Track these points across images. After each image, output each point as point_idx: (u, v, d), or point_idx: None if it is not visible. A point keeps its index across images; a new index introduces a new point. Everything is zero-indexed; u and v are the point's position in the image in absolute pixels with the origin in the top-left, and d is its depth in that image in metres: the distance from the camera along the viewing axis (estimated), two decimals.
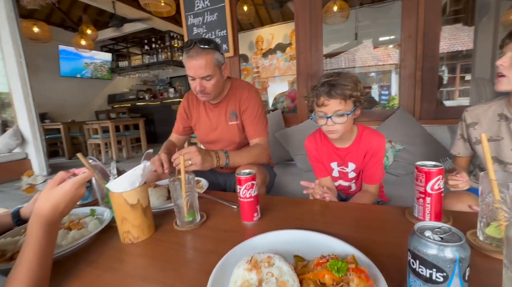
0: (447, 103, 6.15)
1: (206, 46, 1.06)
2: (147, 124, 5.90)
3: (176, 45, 6.42)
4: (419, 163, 0.61)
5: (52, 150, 5.23)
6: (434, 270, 0.34)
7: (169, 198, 0.92)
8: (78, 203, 0.94)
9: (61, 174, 0.82)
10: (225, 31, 2.06)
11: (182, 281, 0.49)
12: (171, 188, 0.70)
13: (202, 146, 1.42)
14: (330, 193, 0.88)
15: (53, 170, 3.93)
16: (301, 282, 0.43)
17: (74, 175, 0.77)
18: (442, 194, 0.59)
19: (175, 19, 5.80)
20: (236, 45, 2.10)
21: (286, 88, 6.41)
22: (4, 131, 3.79)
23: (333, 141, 1.02)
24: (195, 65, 1.05)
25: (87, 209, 0.83)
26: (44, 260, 0.50)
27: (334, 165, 1.05)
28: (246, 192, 0.67)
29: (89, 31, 4.95)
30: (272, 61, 7.25)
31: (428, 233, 0.36)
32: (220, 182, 1.35)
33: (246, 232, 0.66)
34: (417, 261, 0.36)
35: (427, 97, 1.64)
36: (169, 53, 6.39)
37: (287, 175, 1.67)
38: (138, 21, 5.41)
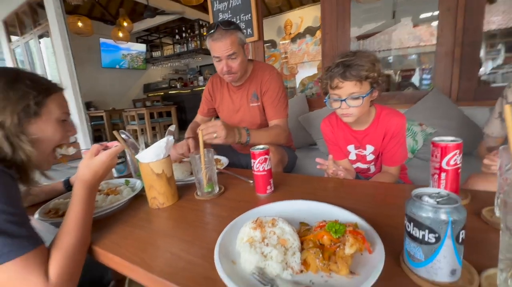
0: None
1: (229, 28, 1.10)
2: (178, 111, 6.18)
3: (205, 33, 6.52)
4: (436, 138, 0.59)
5: (97, 135, 5.77)
6: (427, 231, 0.35)
7: (192, 173, 1.00)
8: (115, 175, 1.06)
9: (95, 146, 0.94)
10: (249, 15, 2.06)
11: (198, 238, 0.56)
12: (192, 162, 0.77)
13: None
14: (347, 172, 0.88)
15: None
16: (302, 243, 0.46)
17: (106, 147, 0.89)
18: (459, 171, 0.57)
19: (203, 6, 5.87)
20: (260, 29, 2.09)
21: (316, 73, 6.19)
22: None
23: (350, 123, 1.00)
24: (221, 46, 1.11)
25: (122, 180, 0.94)
26: (87, 216, 0.59)
27: (351, 148, 1.03)
28: (259, 165, 0.71)
29: (125, 24, 5.25)
30: (301, 45, 7.01)
31: (425, 198, 0.37)
32: (242, 163, 1.41)
33: (258, 203, 0.71)
34: (411, 224, 0.37)
35: (466, 76, 1.49)
36: (198, 42, 6.52)
37: (309, 158, 1.67)
38: (170, 14, 5.59)
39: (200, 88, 6.30)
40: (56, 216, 0.73)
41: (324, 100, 0.95)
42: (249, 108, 1.29)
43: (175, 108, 5.20)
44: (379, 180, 0.94)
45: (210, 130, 0.88)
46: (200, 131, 0.79)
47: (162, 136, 5.16)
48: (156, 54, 7.33)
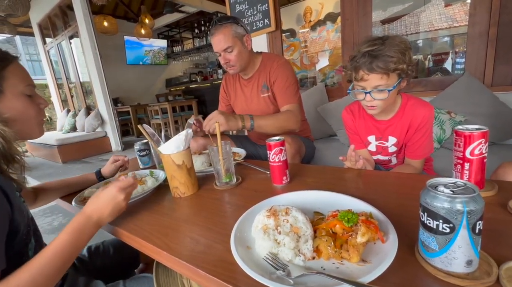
0: None
1: (224, 22, 1.14)
2: (199, 105, 6.32)
3: None
4: (459, 127, 0.56)
5: (124, 129, 6.10)
6: (441, 221, 0.34)
7: (211, 164, 1.03)
8: (141, 166, 1.13)
9: (113, 157, 1.00)
10: (266, 5, 2.04)
11: (215, 225, 0.59)
12: (211, 153, 0.80)
13: None
14: (367, 163, 0.86)
15: (125, 146, 4.62)
16: (315, 231, 0.47)
17: (124, 162, 0.94)
18: (485, 160, 0.54)
19: None
20: (278, 19, 2.06)
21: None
22: (88, 113, 4.56)
23: (374, 114, 0.97)
24: (215, 40, 1.16)
25: (147, 171, 1.00)
26: (70, 250, 0.53)
27: (371, 138, 1.01)
28: (275, 156, 0.72)
29: (147, 20, 5.41)
30: (322, 33, 6.76)
31: (440, 188, 0.36)
32: (261, 154, 1.43)
33: (274, 193, 0.72)
34: (426, 214, 0.36)
35: (503, 58, 1.37)
36: None
37: (328, 149, 1.65)
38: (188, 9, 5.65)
39: (220, 81, 6.35)
40: None
41: (348, 90, 0.92)
42: (260, 99, 1.30)
43: (195, 102, 5.32)
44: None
45: (212, 121, 0.94)
46: (217, 123, 0.82)
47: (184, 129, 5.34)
48: (177, 49, 7.49)
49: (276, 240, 0.44)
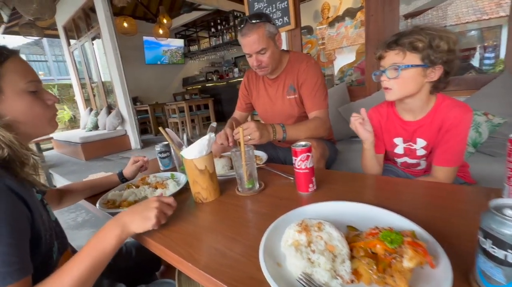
0: None
1: (257, 20, 1.07)
2: (215, 104, 6.36)
3: None
4: None
5: (143, 128, 6.26)
6: (510, 251, 0.30)
7: (232, 167, 1.01)
8: (161, 168, 1.13)
9: (133, 158, 1.00)
10: (285, 2, 1.98)
11: (240, 235, 0.56)
12: (233, 158, 0.77)
13: (262, 121, 1.48)
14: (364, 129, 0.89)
15: (144, 144, 4.74)
16: (351, 250, 0.43)
17: (144, 162, 0.93)
18: None
19: None
20: (297, 17, 2.01)
21: (353, 59, 5.79)
22: (109, 112, 4.72)
23: (401, 113, 0.91)
24: (249, 41, 1.09)
25: (168, 174, 0.99)
26: (99, 257, 0.51)
27: (398, 141, 0.94)
28: (301, 163, 0.68)
29: (165, 20, 5.49)
30: (340, 29, 6.58)
31: (508, 211, 0.31)
32: (280, 157, 1.39)
33: (300, 202, 0.69)
34: (489, 241, 0.32)
35: None
36: (233, 33, 6.55)
37: (351, 151, 1.59)
38: (205, 10, 5.68)
39: (236, 80, 6.36)
40: (114, 207, 0.80)
41: (372, 74, 0.89)
42: (286, 101, 1.26)
43: (212, 101, 5.36)
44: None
45: (245, 133, 0.88)
46: (240, 128, 0.79)
47: (201, 128, 5.39)
48: (193, 48, 7.57)
49: (309, 259, 0.41)
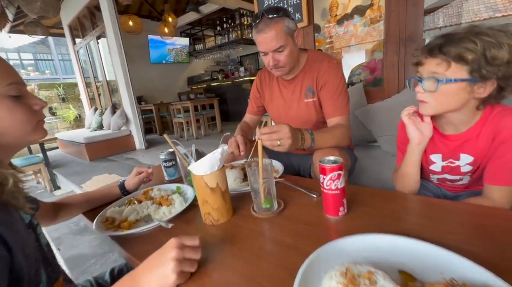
0: None
1: (274, 15, 0.96)
2: (220, 103, 6.28)
3: (245, 22, 6.41)
4: None
5: (147, 127, 6.21)
6: None
7: (245, 179, 0.91)
8: (166, 178, 1.03)
9: (136, 169, 0.90)
10: None
11: (263, 276, 0.46)
12: (248, 173, 0.67)
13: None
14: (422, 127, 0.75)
15: (149, 145, 4.67)
16: None
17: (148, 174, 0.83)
18: None
19: None
20: (310, 13, 1.89)
21: (363, 58, 5.64)
22: (114, 112, 4.66)
23: (440, 125, 0.78)
24: (266, 39, 0.98)
25: (174, 186, 0.90)
26: None
27: (436, 158, 0.81)
28: (331, 183, 0.58)
29: (170, 19, 5.41)
30: (348, 27, 6.43)
31: None
32: (294, 164, 1.29)
33: (330, 229, 0.58)
34: None
35: None
36: (239, 32, 6.45)
37: (368, 158, 1.47)
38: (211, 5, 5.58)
39: (241, 79, 6.26)
40: (113, 227, 0.71)
41: (407, 79, 0.77)
42: (303, 105, 1.15)
43: (217, 101, 5.27)
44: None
45: (274, 137, 0.75)
46: (259, 140, 0.68)
47: (206, 128, 5.30)
48: (199, 47, 7.50)
49: None
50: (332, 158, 0.60)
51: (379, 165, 1.34)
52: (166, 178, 1.05)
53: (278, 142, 0.76)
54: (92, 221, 0.75)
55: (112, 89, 5.03)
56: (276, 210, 0.67)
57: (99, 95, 5.57)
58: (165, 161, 1.02)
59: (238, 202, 0.76)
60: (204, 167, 0.62)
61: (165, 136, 0.90)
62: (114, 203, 0.83)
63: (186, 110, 4.89)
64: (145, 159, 3.77)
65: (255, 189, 0.67)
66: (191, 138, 4.97)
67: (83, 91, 6.02)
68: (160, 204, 0.77)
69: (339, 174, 0.57)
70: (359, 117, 1.63)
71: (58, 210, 0.81)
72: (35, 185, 3.84)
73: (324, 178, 0.58)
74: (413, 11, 1.45)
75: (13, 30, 5.59)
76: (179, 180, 1.03)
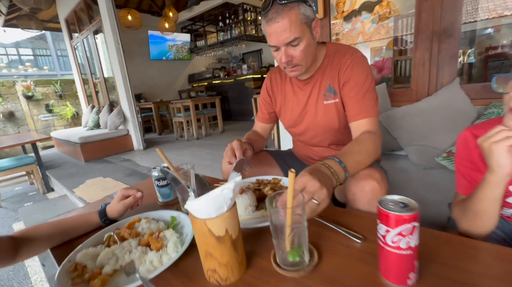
0: None
1: (287, 1, 0.76)
2: (222, 102, 6.08)
3: (249, 18, 6.19)
4: None
5: (146, 126, 6.01)
6: None
7: (258, 207, 0.72)
8: (160, 200, 0.84)
9: (121, 192, 0.71)
10: None
11: None
12: (270, 211, 0.47)
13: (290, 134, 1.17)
14: None
15: (147, 144, 4.48)
16: None
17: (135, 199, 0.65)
18: None
19: None
20: (327, 3, 1.69)
21: (368, 57, 5.41)
22: (111, 110, 4.46)
23: None
24: (277, 29, 0.78)
25: (168, 215, 0.70)
26: None
27: None
28: (400, 240, 0.38)
29: (171, 14, 5.20)
30: (356, 25, 6.21)
31: None
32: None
33: None
34: None
35: None
36: (242, 28, 6.23)
37: (395, 171, 1.27)
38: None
39: (244, 77, 6.05)
40: (81, 281, 0.51)
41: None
42: (322, 108, 0.94)
43: (219, 99, 5.06)
44: None
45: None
46: (292, 172, 0.48)
47: (207, 128, 5.10)
48: (200, 43, 7.28)
49: None
50: (398, 198, 0.41)
51: (411, 181, 1.15)
52: (160, 200, 0.85)
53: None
54: (60, 262, 0.56)
55: (110, 86, 4.83)
56: (307, 265, 0.48)
57: (96, 92, 5.38)
58: (158, 179, 0.82)
59: (252, 243, 0.57)
60: (207, 208, 0.43)
61: (158, 151, 0.71)
62: (89, 238, 0.64)
63: (187, 109, 4.69)
64: (143, 160, 3.58)
65: (278, 233, 0.48)
66: (192, 138, 4.77)
67: (80, 88, 5.82)
68: (148, 246, 0.58)
69: (414, 227, 0.38)
70: (383, 122, 1.43)
71: (19, 246, 0.63)
72: (28, 186, 3.67)
73: (388, 231, 0.39)
74: (450, 1, 1.24)
75: (7, 24, 5.39)
76: (176, 202, 0.84)
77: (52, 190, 3.44)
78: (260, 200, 0.74)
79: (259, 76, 6.00)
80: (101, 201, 0.97)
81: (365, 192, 0.69)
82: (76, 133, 4.16)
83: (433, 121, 1.26)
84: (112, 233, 0.63)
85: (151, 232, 0.61)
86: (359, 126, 0.85)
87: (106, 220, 0.72)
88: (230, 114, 6.65)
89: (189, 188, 0.65)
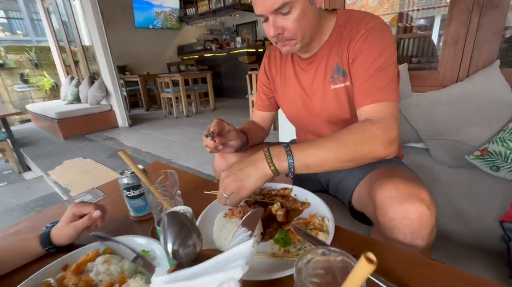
0: None
1: None
2: (214, 77, 5.71)
3: None
4: None
5: (133, 101, 5.62)
6: None
7: (265, 235, 0.53)
8: (131, 214, 0.64)
9: (71, 209, 0.50)
10: None
11: None
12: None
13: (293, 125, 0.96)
14: None
15: (133, 121, 4.18)
16: None
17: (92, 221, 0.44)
18: None
19: None
20: None
21: None
22: (92, 83, 4.07)
23: None
24: None
25: (138, 243, 0.50)
26: None
27: None
28: None
29: None
30: None
31: None
32: (321, 180, 0.91)
33: None
34: None
35: None
36: None
37: (416, 169, 1.10)
38: None
39: (238, 51, 5.64)
40: None
41: None
42: (330, 93, 0.73)
43: (210, 74, 4.70)
44: None
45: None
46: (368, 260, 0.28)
47: (197, 105, 4.79)
48: (190, 11, 6.67)
49: None
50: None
51: (439, 185, 0.98)
52: (132, 214, 0.65)
53: (225, 194, 0.54)
54: None
55: (90, 56, 4.37)
56: None
57: (76, 62, 4.89)
58: (128, 188, 0.61)
59: None
60: None
61: (121, 154, 0.49)
62: (22, 284, 0.44)
63: (176, 84, 4.34)
64: (128, 139, 3.32)
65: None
66: (181, 116, 4.48)
67: (58, 57, 5.29)
68: None
69: None
70: (401, 111, 1.23)
71: None
72: (4, 164, 3.37)
73: None
74: None
75: None
76: (150, 222, 0.64)
77: (29, 169, 3.17)
78: (267, 223, 0.54)
79: (254, 50, 5.60)
80: (40, 228, 0.75)
81: (409, 219, 0.50)
82: (54, 107, 3.80)
83: (465, 112, 1.07)
84: (51, 281, 0.42)
85: (110, 282, 0.41)
86: (362, 115, 0.64)
87: (51, 248, 0.52)
88: (223, 90, 6.31)
89: (158, 226, 0.44)
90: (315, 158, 0.54)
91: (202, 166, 2.31)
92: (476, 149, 1.01)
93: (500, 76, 1.04)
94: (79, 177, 2.28)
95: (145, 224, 0.63)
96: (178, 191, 0.56)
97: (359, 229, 0.85)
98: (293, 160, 0.54)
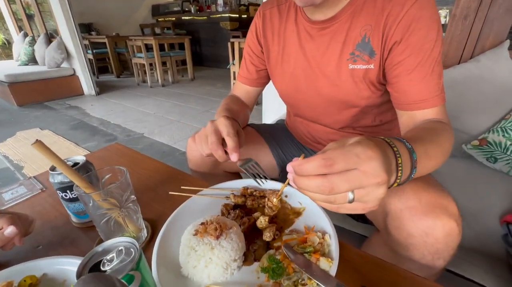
0: None
1: None
2: (192, 43, 5.24)
3: None
4: None
5: (101, 66, 5.05)
6: None
7: (247, 256, 0.41)
8: (74, 220, 0.48)
9: None
10: None
11: None
12: None
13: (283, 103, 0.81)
14: None
15: (101, 89, 3.77)
16: None
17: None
18: None
19: None
20: None
21: None
22: (49, 42, 3.54)
23: None
24: None
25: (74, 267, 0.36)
26: None
27: None
28: None
29: None
30: None
31: None
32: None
33: None
34: None
35: None
36: None
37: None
38: None
39: (219, 15, 5.15)
40: None
41: None
42: (346, 73, 0.57)
43: (188, 40, 4.27)
44: None
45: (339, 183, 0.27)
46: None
47: (174, 74, 4.41)
48: None
49: None
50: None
51: (436, 177, 0.91)
52: (74, 220, 0.49)
53: (351, 195, 0.27)
54: None
55: (47, 10, 3.74)
56: None
57: (29, 16, 4.20)
58: (63, 188, 0.45)
59: None
60: None
61: (35, 147, 0.33)
62: None
63: (150, 49, 3.91)
64: (95, 109, 2.98)
65: None
66: (156, 85, 4.12)
67: (6, 9, 4.51)
68: None
69: None
70: None
71: None
72: None
73: None
74: None
75: None
76: (92, 228, 0.49)
77: None
78: (251, 237, 0.42)
79: (237, 15, 5.15)
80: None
81: (433, 237, 0.40)
82: (4, 69, 3.28)
83: (466, 97, 0.98)
84: None
85: None
86: (421, 117, 0.51)
87: None
88: (202, 59, 5.87)
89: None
90: (423, 170, 0.40)
91: (178, 143, 2.13)
92: (474, 138, 0.94)
93: (508, 59, 0.95)
94: (35, 151, 2.01)
95: (92, 233, 0.48)
96: (132, 197, 0.41)
97: (358, 228, 0.77)
98: (414, 174, 0.37)
